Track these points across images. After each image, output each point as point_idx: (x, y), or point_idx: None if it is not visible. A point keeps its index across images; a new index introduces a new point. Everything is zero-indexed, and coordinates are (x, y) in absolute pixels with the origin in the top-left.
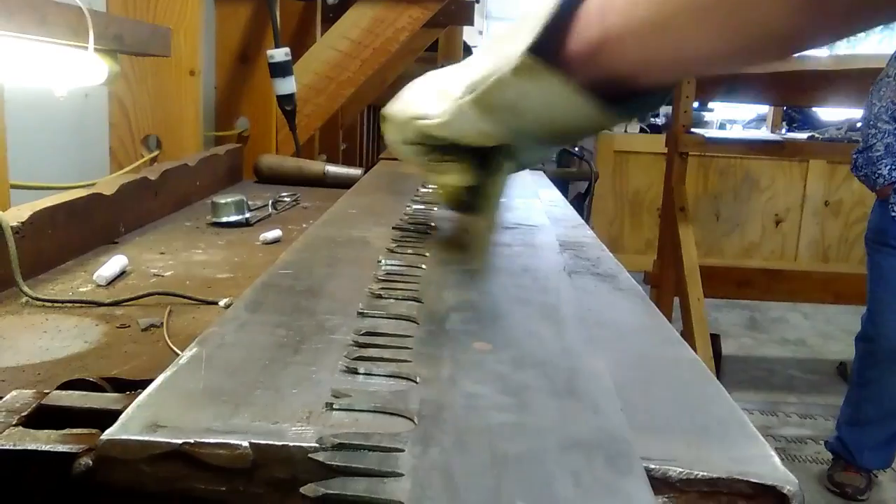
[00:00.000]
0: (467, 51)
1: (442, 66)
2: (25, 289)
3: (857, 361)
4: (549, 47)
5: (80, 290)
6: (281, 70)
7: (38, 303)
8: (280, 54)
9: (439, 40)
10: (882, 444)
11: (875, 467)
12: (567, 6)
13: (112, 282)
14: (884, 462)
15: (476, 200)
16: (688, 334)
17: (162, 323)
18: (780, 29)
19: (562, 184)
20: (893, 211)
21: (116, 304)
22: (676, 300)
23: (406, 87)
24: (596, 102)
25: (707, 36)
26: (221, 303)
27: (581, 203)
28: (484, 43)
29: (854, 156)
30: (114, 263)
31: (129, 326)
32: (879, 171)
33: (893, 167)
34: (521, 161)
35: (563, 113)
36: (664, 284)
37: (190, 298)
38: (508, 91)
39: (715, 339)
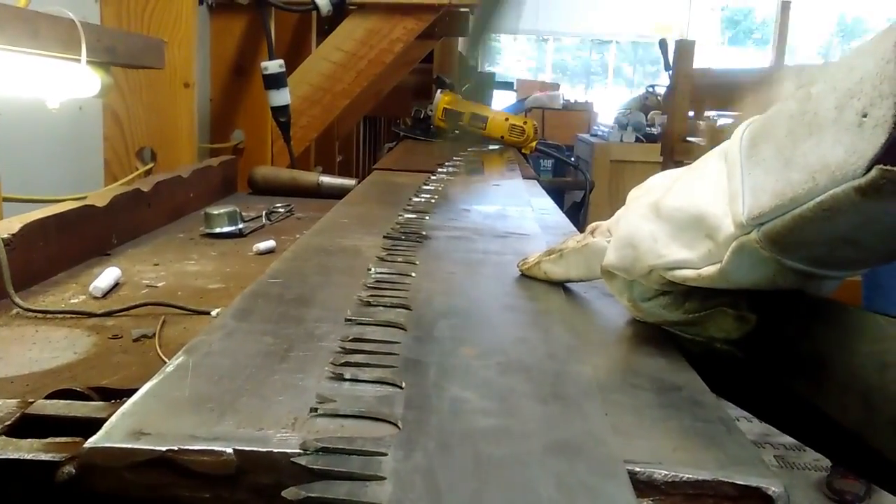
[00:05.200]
0: (462, 62)
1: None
2: (17, 300)
3: None
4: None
5: (72, 301)
6: (275, 82)
7: (30, 314)
8: (274, 66)
9: (434, 52)
10: None
11: None
12: None
13: (107, 293)
14: None
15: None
16: None
17: (154, 333)
18: None
19: (557, 193)
20: None
21: (108, 314)
22: None
23: (616, 217)
24: None
25: None
26: (213, 313)
27: (577, 212)
28: (735, 140)
29: None
30: (108, 275)
31: (120, 337)
32: None
33: None
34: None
35: None
36: None
37: (182, 308)
38: (839, 219)
39: None
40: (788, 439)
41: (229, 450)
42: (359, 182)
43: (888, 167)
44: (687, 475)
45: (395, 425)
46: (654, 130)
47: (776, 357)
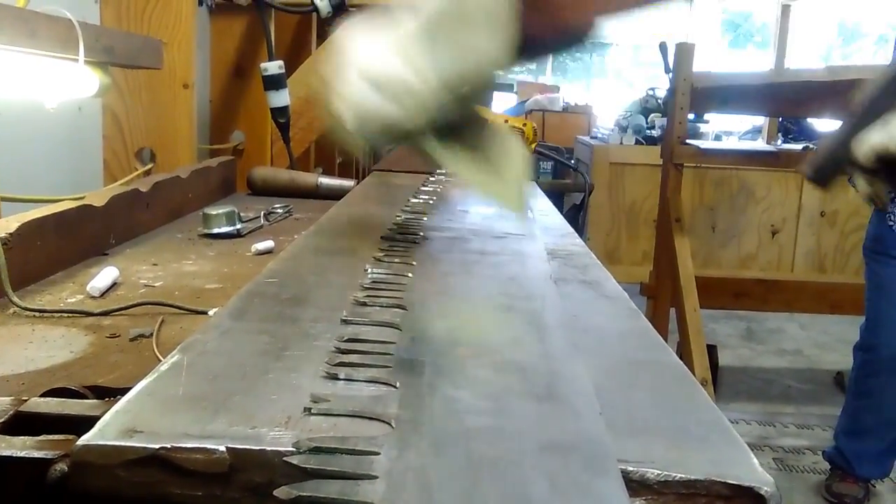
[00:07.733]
0: None
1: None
2: (14, 299)
3: (855, 371)
4: None
5: (69, 300)
6: (274, 83)
7: (27, 313)
8: (273, 67)
9: None
10: (880, 454)
11: (873, 477)
12: None
13: (104, 293)
14: (882, 472)
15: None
16: (684, 345)
17: (151, 333)
18: None
19: (557, 196)
20: (891, 220)
21: (105, 314)
22: (673, 311)
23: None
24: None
25: None
26: (211, 312)
27: (576, 215)
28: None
29: None
30: (106, 275)
31: (117, 336)
32: None
33: None
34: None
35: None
36: (660, 295)
37: (179, 308)
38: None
39: (712, 350)
40: (788, 442)
41: (222, 448)
42: (358, 183)
43: None
44: (679, 475)
45: (389, 424)
46: (655, 133)
47: None
